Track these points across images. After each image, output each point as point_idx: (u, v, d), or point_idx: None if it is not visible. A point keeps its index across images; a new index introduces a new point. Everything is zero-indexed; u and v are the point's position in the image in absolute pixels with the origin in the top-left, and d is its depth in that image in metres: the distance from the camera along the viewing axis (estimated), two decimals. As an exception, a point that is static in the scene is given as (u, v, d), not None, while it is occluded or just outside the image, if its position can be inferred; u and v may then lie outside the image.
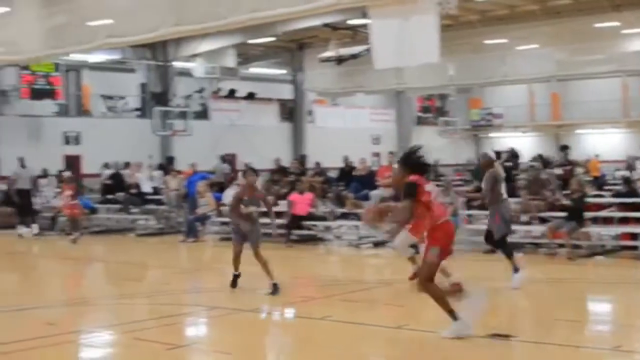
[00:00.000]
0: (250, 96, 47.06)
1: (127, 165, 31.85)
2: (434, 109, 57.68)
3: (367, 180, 24.60)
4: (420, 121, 55.65)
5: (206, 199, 24.61)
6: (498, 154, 15.18)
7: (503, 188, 14.52)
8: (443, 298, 9.85)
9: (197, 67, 40.47)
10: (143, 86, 43.50)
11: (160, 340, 10.64)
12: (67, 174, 29.38)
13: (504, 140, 50.64)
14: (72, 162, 39.14)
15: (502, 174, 14.80)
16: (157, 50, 40.50)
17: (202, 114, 44.84)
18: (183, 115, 41.35)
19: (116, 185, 29.74)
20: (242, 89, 46.56)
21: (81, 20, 24.39)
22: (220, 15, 20.92)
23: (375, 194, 21.52)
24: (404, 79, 39.01)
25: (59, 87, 40.29)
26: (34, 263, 22.17)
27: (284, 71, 48.26)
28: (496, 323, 10.91)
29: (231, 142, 43.11)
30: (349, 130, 49.04)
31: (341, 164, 29.31)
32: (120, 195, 28.90)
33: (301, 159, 38.30)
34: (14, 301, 14.23)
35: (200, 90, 45.23)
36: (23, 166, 28.33)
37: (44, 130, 39.77)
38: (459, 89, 47.09)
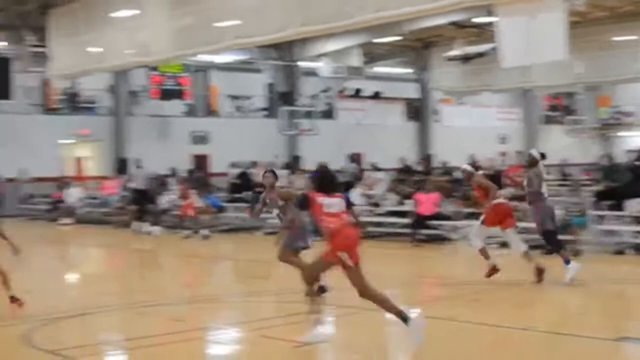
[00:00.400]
0: (376, 95, 47.01)
1: (254, 164, 32.11)
2: (561, 108, 56.59)
3: (494, 180, 24.22)
4: (548, 120, 54.65)
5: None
6: (543, 155, 15.60)
7: (544, 187, 15.03)
8: (316, 301, 10.63)
9: (323, 67, 40.57)
10: (269, 86, 43.86)
11: (287, 338, 10.65)
12: (182, 174, 29.86)
13: (634, 139, 49.31)
14: (200, 162, 39.74)
15: (544, 173, 15.30)
16: (284, 50, 40.75)
17: (328, 114, 44.98)
18: (309, 114, 41.56)
19: (243, 184, 30.02)
20: (368, 88, 46.54)
21: (209, 21, 24.71)
22: (346, 15, 20.92)
23: (502, 193, 21.19)
24: (531, 77, 38.31)
25: (187, 87, 41.00)
26: (161, 261, 22.51)
27: (409, 70, 48.00)
28: (630, 326, 10.62)
29: (357, 141, 43.13)
30: (475, 129, 48.50)
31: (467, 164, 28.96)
32: (247, 194, 29.13)
33: (427, 159, 38.06)
34: (141, 298, 14.45)
35: (326, 90, 45.35)
36: (139, 167, 28.96)
37: (172, 130, 40.50)
38: (587, 87, 46.06)
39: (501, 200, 15.32)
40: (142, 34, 27.05)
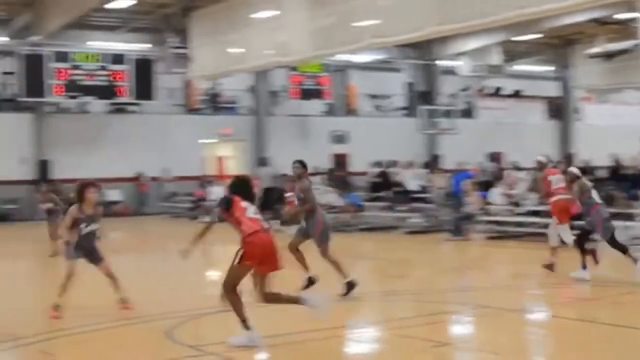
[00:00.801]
0: (516, 94, 46.42)
1: (394, 163, 32.07)
2: None
3: (638, 179, 23.69)
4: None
5: (472, 198, 24.38)
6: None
7: (595, 195, 15.22)
8: (239, 308, 10.38)
9: (463, 66, 40.28)
10: (409, 85, 43.76)
11: (425, 337, 10.60)
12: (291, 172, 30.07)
13: None
14: (339, 161, 39.92)
15: (589, 184, 15.52)
16: (423, 49, 40.60)
17: (468, 113, 44.67)
18: (448, 113, 41.30)
19: (383, 183, 30.03)
20: (508, 86, 45.98)
21: (347, 21, 24.76)
22: (485, 13, 20.68)
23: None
24: (677, 74, 37.24)
25: (327, 87, 41.21)
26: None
27: (550, 68, 47.19)
28: None
29: (497, 140, 42.67)
30: (618, 127, 47.29)
31: (610, 163, 28.34)
32: (387, 193, 29.14)
33: (569, 158, 37.33)
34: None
35: (466, 89, 45.02)
36: (263, 165, 29.37)
37: (312, 130, 40.78)
38: None
39: (560, 196, 16.15)
40: (282, 35, 27.30)
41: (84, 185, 12.50)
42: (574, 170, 16.22)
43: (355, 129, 41.93)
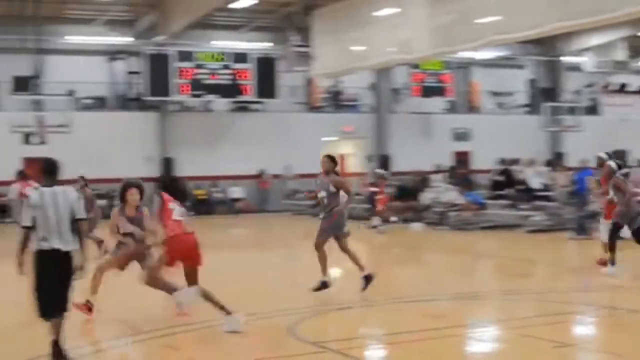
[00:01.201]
0: (642, 90, 45.41)
1: (516, 161, 31.69)
2: None
3: None
4: None
5: (597, 196, 23.90)
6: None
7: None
8: (163, 285, 11.48)
9: (587, 61, 39.59)
10: (531, 82, 43.23)
11: (547, 337, 10.47)
12: (379, 171, 29.95)
13: None
14: (461, 158, 39.68)
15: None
16: (546, 45, 40.06)
17: (592, 109, 43.86)
18: (572, 110, 40.64)
19: (506, 181, 29.70)
20: (634, 82, 44.98)
21: (469, 18, 24.58)
22: (607, 9, 20.27)
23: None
24: None
25: (449, 84, 40.99)
26: (422, 257, 22.61)
27: (678, 63, 46.00)
28: None
29: (622, 137, 41.76)
30: None
31: None
32: (509, 191, 28.82)
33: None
34: (402, 293, 14.60)
35: (590, 85, 44.22)
36: (371, 162, 29.41)
37: (434, 127, 40.64)
38: None
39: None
40: (403, 32, 27.25)
41: (125, 186, 12.41)
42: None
43: (478, 126, 41.65)
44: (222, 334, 10.81)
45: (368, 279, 13.64)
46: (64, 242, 8.94)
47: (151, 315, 12.46)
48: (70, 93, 34.18)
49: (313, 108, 40.46)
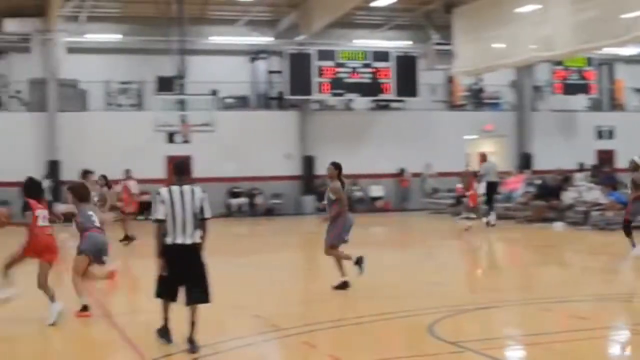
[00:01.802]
0: None
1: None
2: None
3: None
4: None
5: None
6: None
7: None
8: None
9: None
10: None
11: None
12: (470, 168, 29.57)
13: None
14: (605, 157, 38.90)
15: None
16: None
17: None
18: None
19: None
20: None
21: (614, 13, 24.05)
22: None
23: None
24: None
25: (592, 81, 40.18)
26: (564, 257, 22.23)
27: None
28: None
29: None
30: None
31: None
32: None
33: None
34: (545, 294, 14.37)
35: None
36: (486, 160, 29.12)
37: (576, 125, 39.95)
38: None
39: None
40: (546, 29, 26.86)
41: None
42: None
43: (622, 124, 40.70)
44: (362, 332, 10.86)
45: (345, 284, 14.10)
46: (188, 237, 9.80)
47: (291, 313, 12.61)
48: (213, 92, 34.81)
49: (453, 106, 40.23)
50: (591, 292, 14.72)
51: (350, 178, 37.18)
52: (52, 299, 11.68)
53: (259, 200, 35.89)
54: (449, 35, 33.15)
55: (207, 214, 9.91)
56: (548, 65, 38.51)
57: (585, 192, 28.15)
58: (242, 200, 35.48)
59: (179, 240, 9.71)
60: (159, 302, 10.01)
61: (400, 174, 37.90)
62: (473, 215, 26.98)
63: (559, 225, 26.87)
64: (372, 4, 32.99)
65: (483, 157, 30.79)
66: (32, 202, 11.87)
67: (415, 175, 37.82)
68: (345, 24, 35.94)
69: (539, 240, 24.88)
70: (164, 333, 10.05)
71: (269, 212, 35.62)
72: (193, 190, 9.90)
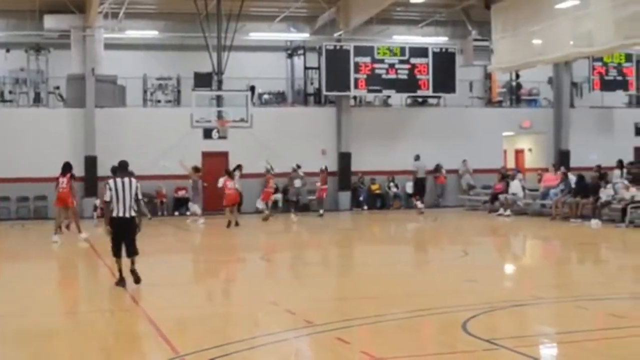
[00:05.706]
0: None
1: None
2: None
3: None
4: None
5: None
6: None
7: None
8: None
9: None
10: None
11: None
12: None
13: None
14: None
15: None
16: None
17: None
18: None
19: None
20: None
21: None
22: None
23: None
24: None
25: (631, 77, 39.86)
26: (601, 254, 22.08)
27: None
28: None
29: None
30: None
31: None
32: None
33: None
34: (583, 292, 14.28)
35: None
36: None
37: (615, 122, 39.68)
38: None
39: None
40: (585, 24, 26.73)
41: None
42: None
43: (661, 121, 40.42)
44: (396, 328, 10.84)
45: None
46: (127, 212, 14.27)
47: (326, 308, 12.63)
48: (251, 89, 34.89)
49: (491, 102, 40.05)
50: (628, 291, 14.62)
51: (387, 174, 37.29)
52: None
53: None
54: (487, 31, 33.04)
55: (139, 197, 14.49)
56: (586, 61, 38.24)
57: (622, 189, 27.95)
58: (277, 196, 35.45)
59: (121, 214, 14.17)
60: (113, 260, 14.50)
61: (437, 170, 37.74)
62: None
63: (595, 223, 26.68)
64: (411, 0, 32.94)
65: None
66: None
67: (452, 171, 37.69)
68: (383, 20, 35.91)
69: (576, 238, 24.72)
70: (120, 281, 14.30)
71: (305, 208, 35.59)
72: (130, 180, 14.36)
